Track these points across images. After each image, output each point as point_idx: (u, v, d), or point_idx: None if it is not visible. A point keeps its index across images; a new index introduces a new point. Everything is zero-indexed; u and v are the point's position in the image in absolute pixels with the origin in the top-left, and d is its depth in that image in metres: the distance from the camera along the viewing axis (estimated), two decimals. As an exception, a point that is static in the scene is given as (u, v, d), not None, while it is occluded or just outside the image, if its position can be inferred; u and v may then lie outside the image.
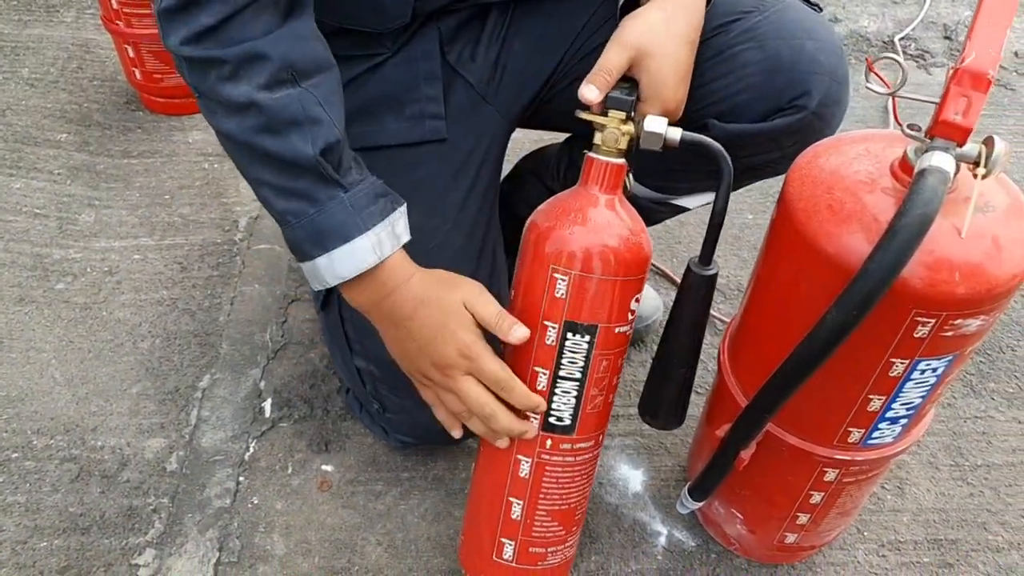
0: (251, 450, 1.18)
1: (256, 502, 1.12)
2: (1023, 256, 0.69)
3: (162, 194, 1.62)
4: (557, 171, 1.20)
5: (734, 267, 1.48)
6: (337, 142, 0.77)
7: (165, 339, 1.33)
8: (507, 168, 1.25)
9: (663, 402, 0.89)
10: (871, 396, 0.78)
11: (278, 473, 1.16)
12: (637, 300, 0.80)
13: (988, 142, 0.66)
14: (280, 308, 1.39)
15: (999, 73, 1.90)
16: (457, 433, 0.87)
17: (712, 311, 1.37)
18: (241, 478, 1.15)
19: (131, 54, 1.70)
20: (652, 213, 1.10)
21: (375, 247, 0.79)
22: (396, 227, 0.81)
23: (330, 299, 1.02)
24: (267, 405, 1.24)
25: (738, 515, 1.01)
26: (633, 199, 1.08)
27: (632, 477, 1.16)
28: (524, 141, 1.44)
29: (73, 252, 1.47)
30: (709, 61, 0.91)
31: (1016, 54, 2.00)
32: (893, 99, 0.71)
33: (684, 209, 1.11)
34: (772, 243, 0.81)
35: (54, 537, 1.07)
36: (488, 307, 0.80)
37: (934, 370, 0.75)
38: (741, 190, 1.10)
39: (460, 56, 1.00)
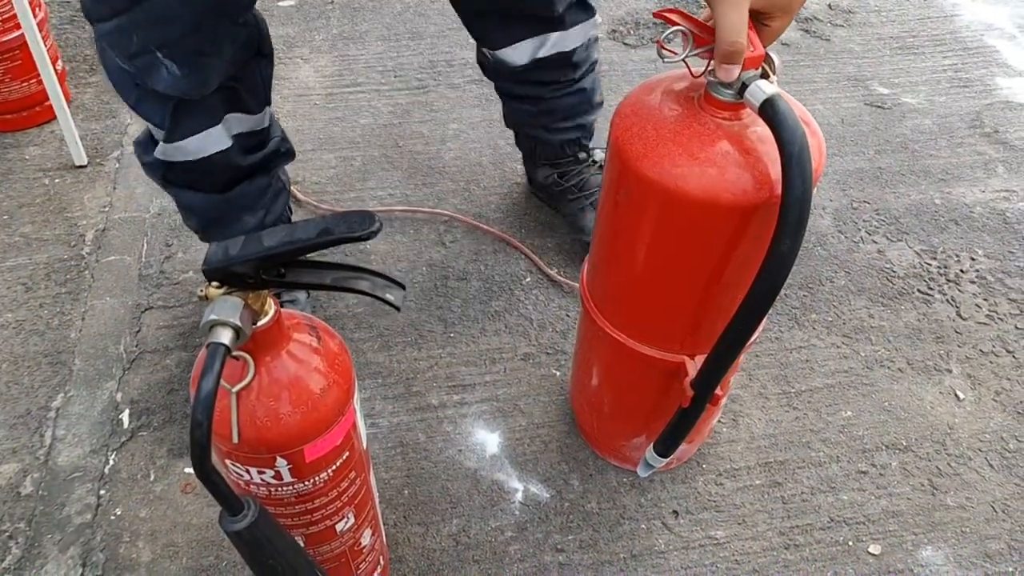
0: (111, 462, 1.18)
1: (119, 513, 1.13)
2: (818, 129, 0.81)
3: (0, 215, 1.57)
4: None
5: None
6: None
7: (12, 363, 1.31)
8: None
9: None
10: None
11: (140, 482, 1.16)
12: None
13: (767, 59, 0.76)
14: (133, 318, 1.38)
15: (815, 25, 2.04)
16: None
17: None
18: (102, 491, 1.15)
19: (-51, 72, 1.63)
20: (516, 87, 1.37)
21: None
22: None
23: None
24: (125, 416, 1.24)
25: None
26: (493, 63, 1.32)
27: (489, 440, 1.22)
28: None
29: (-95, 284, 1.42)
30: None
31: (830, 6, 2.14)
32: (685, 62, 0.79)
33: (516, 70, 1.31)
34: (623, 198, 0.86)
35: (-94, 576, 1.05)
36: None
37: None
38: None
39: None
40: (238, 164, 1.17)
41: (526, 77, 1.34)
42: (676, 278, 0.87)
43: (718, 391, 0.90)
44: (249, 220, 1.24)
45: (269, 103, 1.20)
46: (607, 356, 1.04)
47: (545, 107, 1.39)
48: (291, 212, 1.39)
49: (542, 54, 1.30)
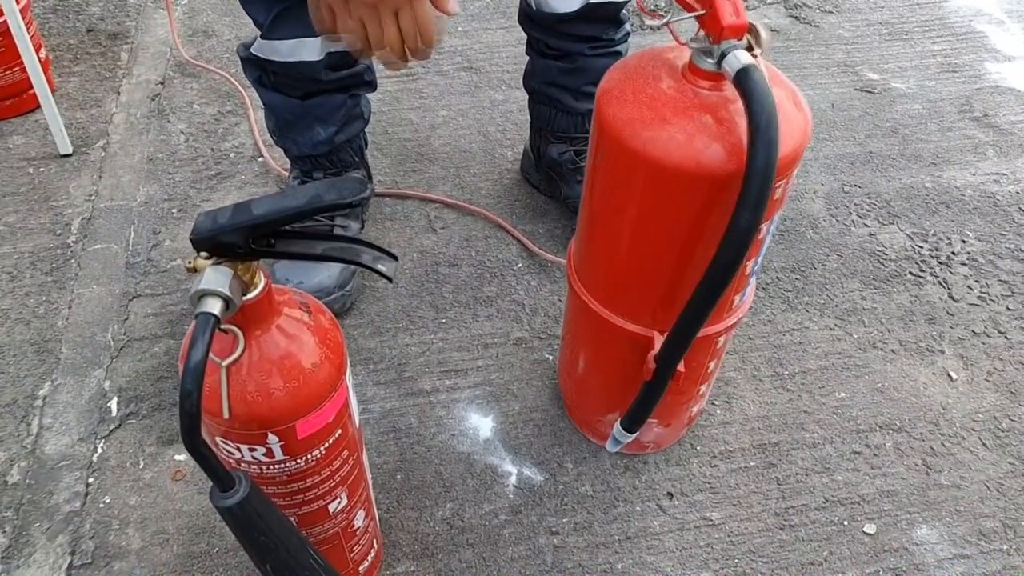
0: (99, 451, 1.17)
1: (108, 501, 1.11)
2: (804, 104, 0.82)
3: (-16, 204, 1.55)
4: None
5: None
6: None
7: (-2, 352, 1.29)
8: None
9: None
10: (746, 262, 0.86)
11: (129, 470, 1.15)
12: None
13: (753, 31, 0.74)
14: (121, 306, 1.37)
15: (804, 12, 2.03)
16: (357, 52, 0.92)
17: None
18: (91, 480, 1.13)
19: (-70, 60, 1.61)
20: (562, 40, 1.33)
21: None
22: None
23: None
24: (113, 404, 1.22)
25: (652, 420, 1.05)
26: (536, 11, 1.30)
27: (482, 425, 1.22)
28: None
29: None
30: None
31: (819, -8, 2.14)
32: (668, 26, 0.78)
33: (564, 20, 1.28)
34: (599, 161, 0.85)
35: None
36: None
37: (774, 224, 0.86)
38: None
39: None
40: (320, 78, 1.26)
41: (568, 29, 1.31)
42: (646, 247, 0.87)
43: (680, 368, 0.89)
44: (320, 131, 1.34)
45: None
46: (586, 328, 1.04)
47: (579, 65, 1.36)
48: (367, 144, 1.47)
49: (594, 0, 1.27)
